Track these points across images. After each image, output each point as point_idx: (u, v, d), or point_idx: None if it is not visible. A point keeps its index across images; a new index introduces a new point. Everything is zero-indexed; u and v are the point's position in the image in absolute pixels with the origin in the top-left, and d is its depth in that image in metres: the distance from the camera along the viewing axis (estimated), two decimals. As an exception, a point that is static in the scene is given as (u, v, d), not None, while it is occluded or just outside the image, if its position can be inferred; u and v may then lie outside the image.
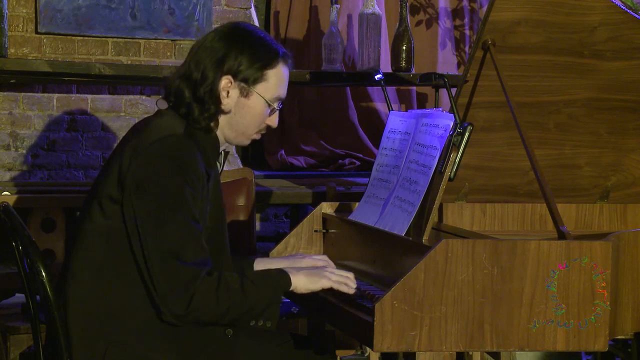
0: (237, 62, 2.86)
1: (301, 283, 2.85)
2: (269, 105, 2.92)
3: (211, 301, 2.69)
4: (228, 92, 2.88)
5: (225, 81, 2.87)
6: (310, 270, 2.92)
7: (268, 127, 2.98)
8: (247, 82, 2.88)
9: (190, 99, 2.86)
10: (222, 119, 2.91)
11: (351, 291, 2.90)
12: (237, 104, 2.90)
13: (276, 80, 2.91)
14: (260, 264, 3.14)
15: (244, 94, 2.89)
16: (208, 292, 2.69)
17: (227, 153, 3.05)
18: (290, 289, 2.83)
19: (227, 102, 2.88)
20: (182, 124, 2.86)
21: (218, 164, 2.99)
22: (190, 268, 2.68)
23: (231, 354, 2.87)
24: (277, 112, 2.96)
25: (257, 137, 2.99)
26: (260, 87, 2.90)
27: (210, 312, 2.70)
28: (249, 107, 2.90)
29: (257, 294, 2.74)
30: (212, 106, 2.86)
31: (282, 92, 2.94)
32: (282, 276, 2.84)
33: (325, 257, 3.16)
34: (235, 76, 2.87)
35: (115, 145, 5.01)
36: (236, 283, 2.73)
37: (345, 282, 2.90)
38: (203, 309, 2.69)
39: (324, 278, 2.88)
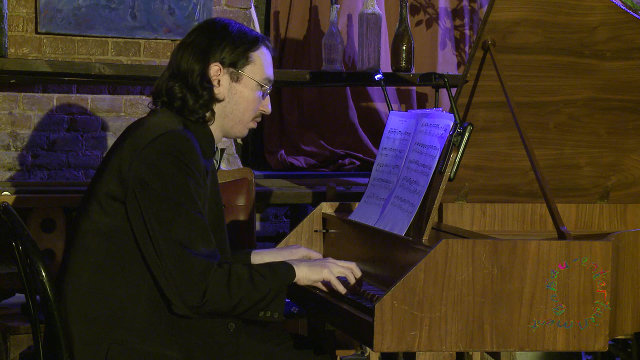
0: (221, 49, 2.92)
1: (303, 274, 2.86)
2: (261, 87, 2.94)
3: (224, 292, 2.70)
4: (219, 81, 2.91)
5: (215, 68, 2.91)
6: (312, 262, 2.93)
7: (264, 116, 3.01)
8: (235, 66, 2.92)
9: (182, 91, 2.89)
10: (217, 109, 2.93)
11: (352, 280, 2.91)
12: (229, 90, 2.93)
13: (262, 61, 2.96)
14: (256, 256, 3.16)
15: (235, 78, 2.93)
16: (221, 283, 2.70)
17: (222, 150, 3.07)
18: (294, 280, 2.85)
19: (219, 90, 2.92)
20: (179, 120, 2.88)
21: (215, 161, 3.01)
22: (202, 259, 2.70)
23: (232, 353, 2.87)
24: (269, 96, 3.00)
25: (254, 125, 3.01)
26: (248, 70, 2.94)
27: (224, 303, 2.71)
28: (241, 92, 2.94)
29: (266, 284, 2.76)
30: (205, 92, 2.89)
31: (270, 73, 2.99)
32: (286, 267, 2.86)
33: (319, 255, 3.19)
34: (222, 63, 2.91)
35: (115, 145, 5.01)
36: (245, 274, 2.75)
37: (345, 274, 2.92)
38: (217, 300, 2.70)
39: (326, 269, 2.89)
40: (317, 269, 2.89)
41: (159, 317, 2.78)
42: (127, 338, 2.77)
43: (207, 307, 2.70)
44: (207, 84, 2.89)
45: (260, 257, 3.16)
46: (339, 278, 2.92)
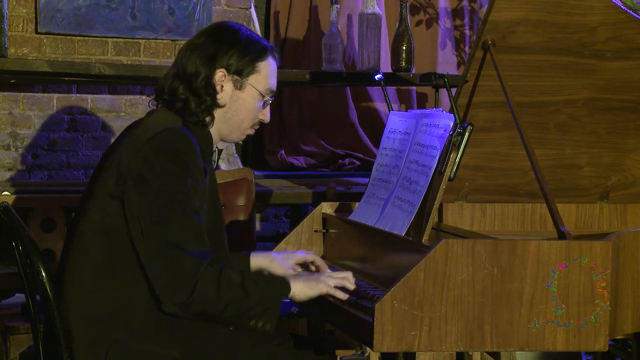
0: (229, 56, 2.92)
1: (299, 289, 2.86)
2: (262, 97, 2.95)
3: (213, 292, 2.70)
4: (222, 86, 2.91)
5: (219, 74, 2.91)
6: (308, 277, 2.93)
7: (261, 123, 3.02)
8: (240, 74, 2.92)
9: (186, 93, 2.89)
10: (217, 114, 2.94)
11: (345, 297, 2.90)
12: (231, 98, 2.93)
13: (267, 72, 2.96)
14: (255, 259, 3.16)
15: (238, 86, 2.93)
16: (210, 282, 2.70)
17: (220, 151, 3.08)
18: (289, 295, 2.85)
19: (222, 96, 2.92)
20: (179, 119, 2.88)
21: (213, 161, 3.02)
22: (192, 258, 2.70)
23: (232, 353, 2.87)
24: (269, 106, 3.00)
25: (251, 132, 3.02)
26: (252, 79, 2.94)
27: (212, 304, 2.71)
28: (243, 100, 2.94)
29: (258, 294, 2.75)
30: (209, 98, 2.90)
31: (273, 84, 2.99)
32: (282, 281, 2.86)
33: (311, 253, 3.22)
34: (228, 69, 2.91)
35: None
36: (237, 279, 2.75)
37: (342, 284, 2.92)
38: (205, 300, 2.70)
39: (321, 283, 2.89)
40: (312, 284, 2.89)
41: (159, 316, 2.78)
42: (127, 338, 2.78)
43: (195, 305, 2.70)
44: (211, 90, 2.89)
45: (257, 260, 3.17)
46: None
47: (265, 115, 3.01)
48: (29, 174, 4.94)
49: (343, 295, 2.90)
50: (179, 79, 2.91)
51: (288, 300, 2.88)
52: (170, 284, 2.69)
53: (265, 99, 2.98)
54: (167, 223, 2.72)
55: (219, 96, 2.92)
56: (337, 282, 2.92)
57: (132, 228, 2.75)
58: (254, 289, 2.75)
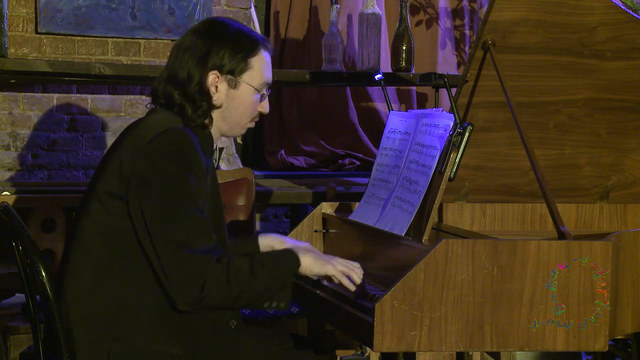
0: (220, 56, 2.89)
1: (307, 263, 2.87)
2: (258, 91, 2.94)
3: (223, 287, 2.71)
4: (217, 87, 2.90)
5: (212, 76, 2.89)
6: (318, 255, 2.93)
7: (260, 115, 3.01)
8: (234, 73, 2.91)
9: (181, 99, 2.88)
10: (215, 114, 2.93)
11: (351, 287, 2.91)
12: (227, 97, 2.92)
13: (260, 66, 2.94)
14: (264, 239, 3.18)
15: (233, 85, 2.92)
16: (219, 278, 2.71)
17: (221, 149, 3.08)
18: (298, 269, 2.85)
19: (217, 97, 2.91)
20: (179, 119, 2.88)
21: (214, 160, 3.02)
22: (200, 256, 2.71)
23: (233, 353, 2.87)
24: (267, 97, 2.99)
25: (252, 125, 3.02)
26: (246, 76, 2.92)
27: (223, 297, 2.72)
28: (239, 98, 2.93)
29: (268, 276, 2.77)
30: (204, 103, 2.89)
31: (268, 76, 2.97)
32: (291, 257, 2.86)
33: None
34: (221, 70, 2.89)
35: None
36: (246, 267, 2.75)
37: (349, 273, 2.91)
38: (216, 295, 2.71)
39: (330, 265, 2.89)
40: (321, 262, 2.90)
41: (161, 314, 2.79)
42: (128, 336, 2.78)
43: (207, 301, 2.71)
44: (205, 95, 2.88)
45: (269, 241, 3.18)
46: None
47: (264, 108, 3.00)
48: (29, 174, 4.94)
49: (348, 283, 2.90)
50: (172, 83, 2.90)
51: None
52: (180, 284, 2.71)
53: (262, 92, 2.97)
54: (172, 224, 2.72)
55: (214, 97, 2.90)
56: (345, 270, 2.91)
57: (138, 229, 2.76)
58: (263, 273, 2.76)
